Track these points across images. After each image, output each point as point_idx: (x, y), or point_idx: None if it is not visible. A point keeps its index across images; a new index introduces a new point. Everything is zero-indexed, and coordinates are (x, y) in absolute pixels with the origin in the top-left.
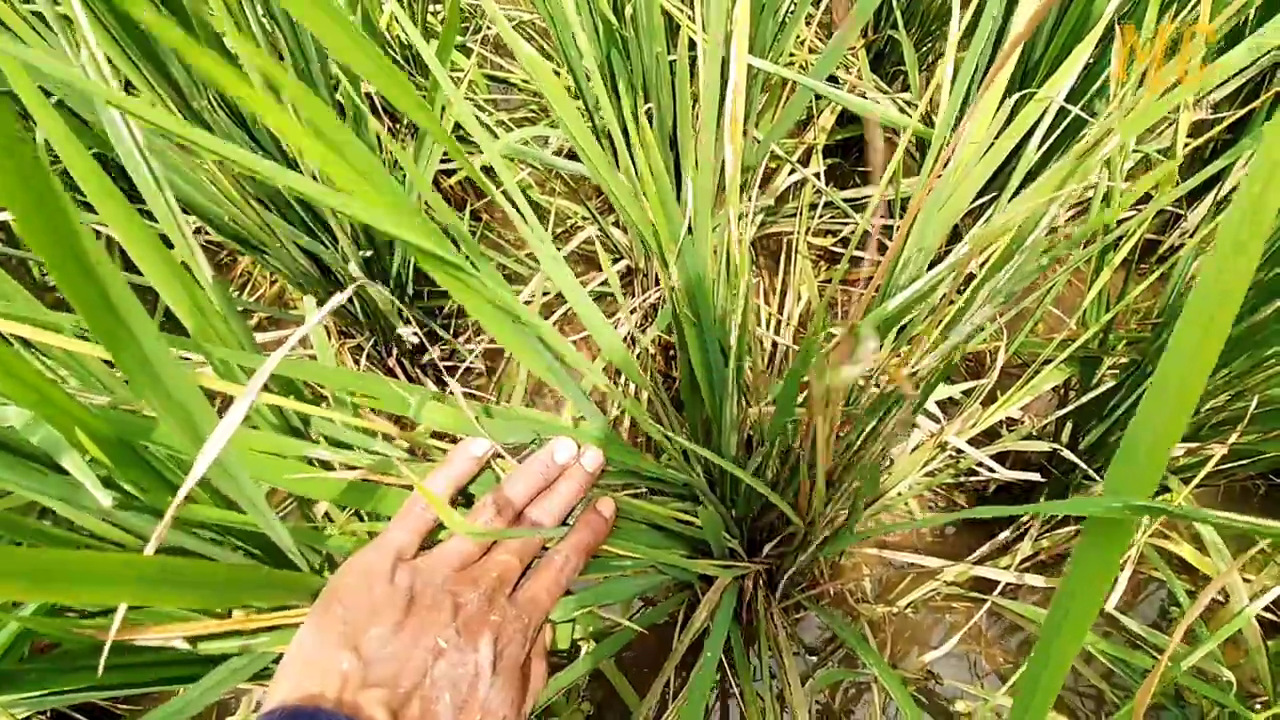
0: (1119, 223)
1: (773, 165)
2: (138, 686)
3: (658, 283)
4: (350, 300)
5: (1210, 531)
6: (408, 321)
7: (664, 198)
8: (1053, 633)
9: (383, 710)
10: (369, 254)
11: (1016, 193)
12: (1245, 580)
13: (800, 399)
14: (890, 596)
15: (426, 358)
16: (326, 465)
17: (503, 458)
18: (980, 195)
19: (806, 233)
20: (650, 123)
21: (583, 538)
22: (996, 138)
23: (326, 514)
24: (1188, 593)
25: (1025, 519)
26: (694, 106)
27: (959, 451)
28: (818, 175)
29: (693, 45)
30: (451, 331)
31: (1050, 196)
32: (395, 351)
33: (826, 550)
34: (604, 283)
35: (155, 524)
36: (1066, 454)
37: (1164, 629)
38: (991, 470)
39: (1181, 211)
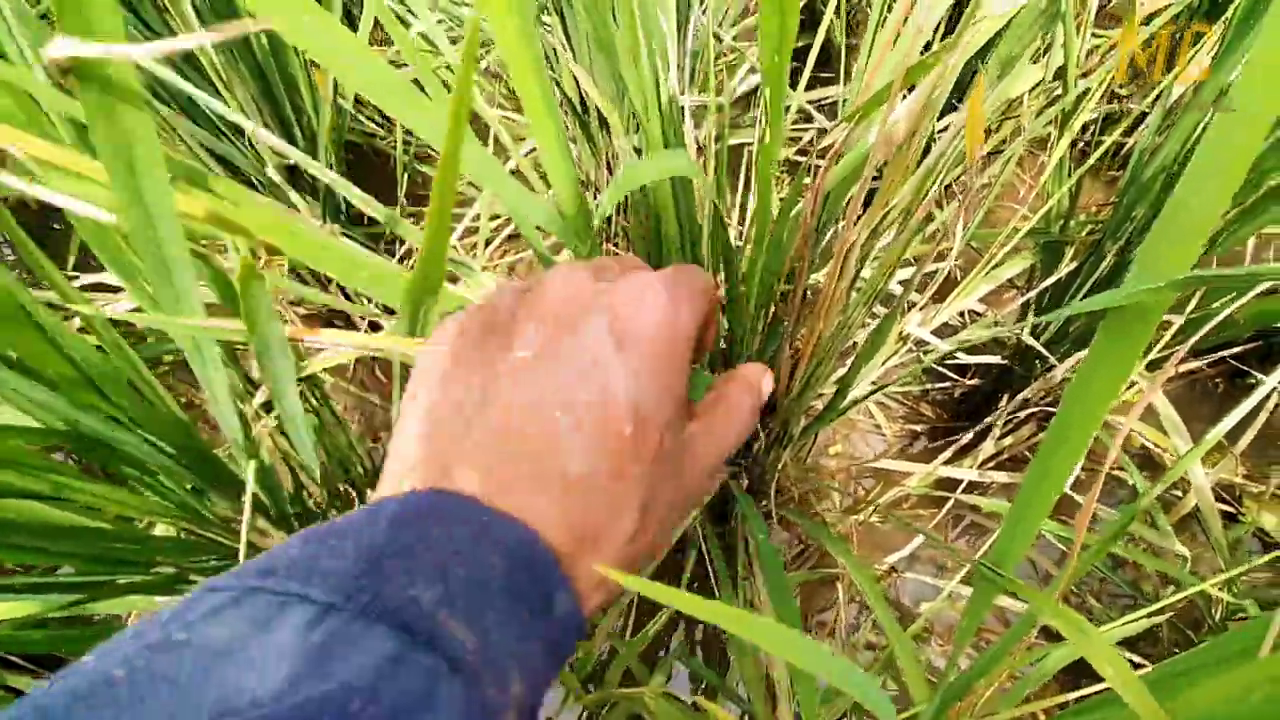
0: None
1: (723, 77)
2: None
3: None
4: None
5: (1168, 409)
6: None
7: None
8: (1058, 438)
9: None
10: (290, 163)
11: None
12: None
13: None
14: (857, 507)
15: None
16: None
17: None
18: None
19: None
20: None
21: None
22: None
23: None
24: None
25: (987, 419)
26: None
27: (920, 345)
28: None
29: None
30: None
31: None
32: None
33: (815, 425)
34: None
35: None
36: (1029, 341)
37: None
38: (956, 357)
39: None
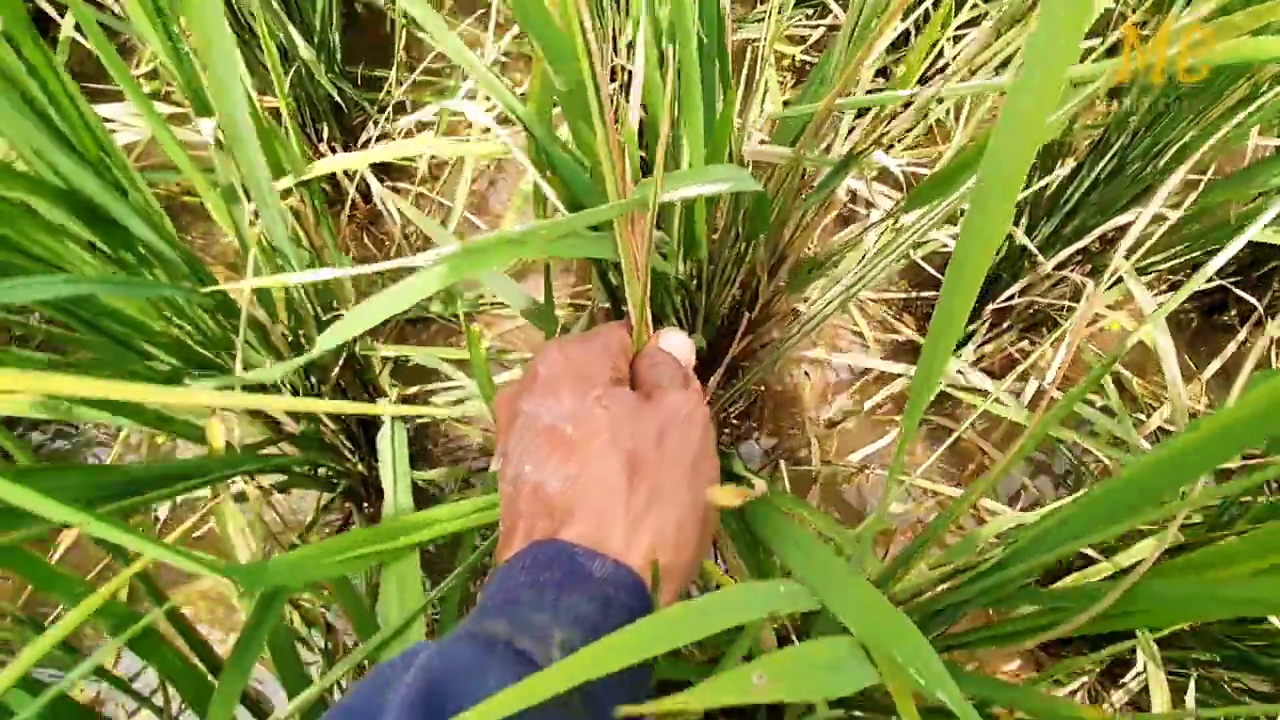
0: None
1: None
2: None
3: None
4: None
5: (1168, 341)
6: (341, 92)
7: None
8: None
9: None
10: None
11: None
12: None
13: None
14: (836, 404)
15: (365, 138)
16: None
17: None
18: None
19: (772, 39)
20: None
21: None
22: None
23: None
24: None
25: (972, 326)
26: None
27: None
28: None
29: None
30: (393, 125)
31: None
32: (327, 134)
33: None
34: None
35: None
36: (1024, 242)
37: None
38: (947, 246)
39: None
